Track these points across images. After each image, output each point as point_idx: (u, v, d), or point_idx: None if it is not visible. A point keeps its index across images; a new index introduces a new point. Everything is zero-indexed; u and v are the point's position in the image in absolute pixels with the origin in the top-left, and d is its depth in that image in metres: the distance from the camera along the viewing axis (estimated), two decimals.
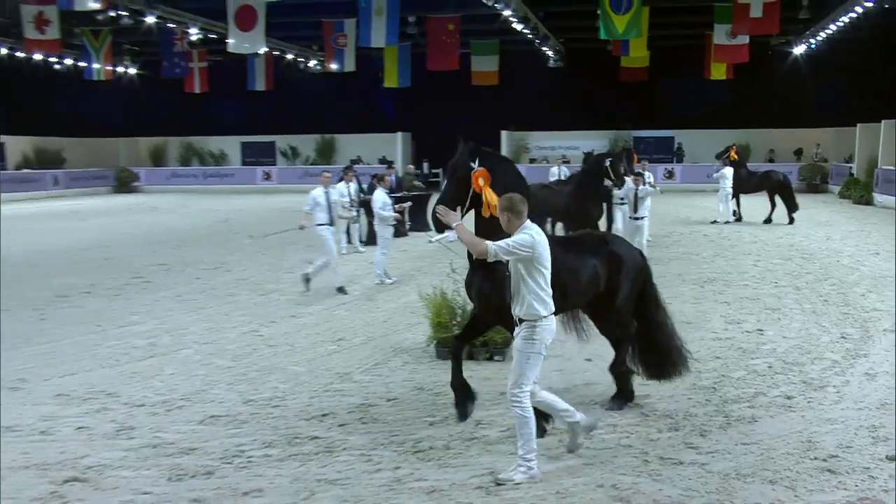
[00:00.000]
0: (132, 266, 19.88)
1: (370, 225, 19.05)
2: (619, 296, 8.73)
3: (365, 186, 22.06)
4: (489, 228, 7.74)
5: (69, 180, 48.41)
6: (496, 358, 10.89)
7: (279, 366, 11.02)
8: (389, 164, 28.50)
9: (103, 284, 17.46)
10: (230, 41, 30.13)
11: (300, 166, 49.86)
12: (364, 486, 7.13)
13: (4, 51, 39.49)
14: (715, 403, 9.13)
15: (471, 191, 7.90)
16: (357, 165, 22.62)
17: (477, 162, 7.98)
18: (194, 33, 36.27)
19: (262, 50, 35.10)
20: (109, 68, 38.85)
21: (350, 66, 35.90)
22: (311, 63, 44.32)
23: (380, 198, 17.00)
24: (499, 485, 7.03)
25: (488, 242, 7.07)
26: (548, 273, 7.21)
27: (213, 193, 46.82)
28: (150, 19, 32.63)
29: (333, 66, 37.51)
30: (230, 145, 51.70)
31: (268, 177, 49.58)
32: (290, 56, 43.08)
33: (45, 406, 9.39)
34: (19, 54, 39.01)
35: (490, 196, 7.87)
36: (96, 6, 24.86)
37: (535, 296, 7.12)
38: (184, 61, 38.70)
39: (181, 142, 52.00)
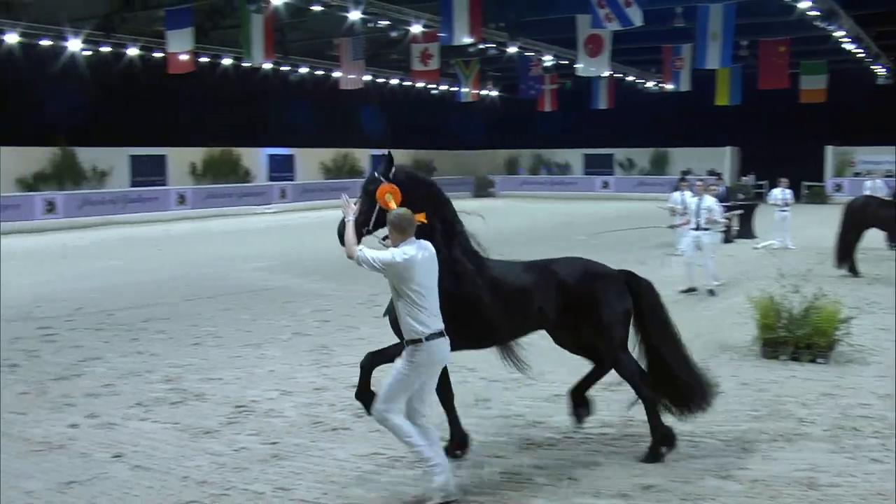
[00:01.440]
0: None
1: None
2: (585, 327, 7.29)
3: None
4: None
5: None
6: (819, 361, 10.29)
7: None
8: (718, 175, 27.60)
9: None
10: (579, 66, 30.37)
11: (635, 176, 49.53)
12: (689, 468, 6.94)
13: (396, 81, 42.66)
14: None
15: (377, 205, 6.72)
16: (689, 176, 22.07)
17: (391, 177, 6.85)
18: (548, 60, 37.11)
19: (606, 73, 35.18)
20: (476, 91, 40.42)
21: (685, 86, 35.22)
22: (649, 84, 43.88)
23: (708, 205, 16.48)
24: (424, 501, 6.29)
25: (358, 250, 6.26)
26: (427, 292, 6.17)
27: (556, 199, 47.44)
28: (512, 49, 33.71)
29: (669, 87, 36.98)
30: (573, 157, 52.24)
31: (605, 185, 49.61)
32: (629, 78, 42.90)
33: None
34: (406, 83, 41.88)
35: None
36: (470, 41, 26.00)
37: (411, 316, 6.16)
38: (537, 84, 39.61)
39: (531, 153, 53.25)
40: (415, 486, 6.60)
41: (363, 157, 48.11)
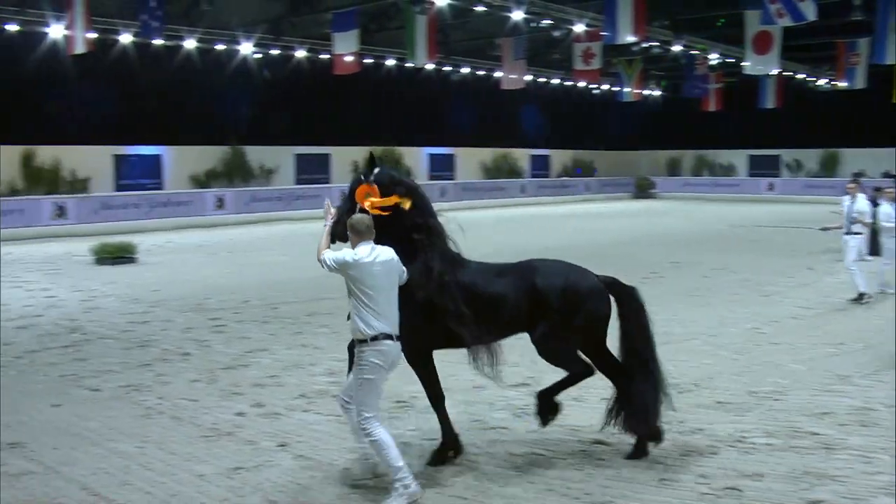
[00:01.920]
0: (648, 262, 20.20)
1: (874, 235, 17.73)
2: (550, 332, 7.02)
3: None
4: (388, 239, 6.69)
5: (597, 186, 50.45)
6: None
7: (780, 362, 10.58)
8: (894, 177, 26.22)
9: (624, 277, 17.83)
10: (746, 63, 29.50)
11: (803, 178, 47.59)
12: (862, 485, 6.60)
13: (557, 80, 42.47)
14: None
15: (357, 204, 6.81)
16: (861, 178, 21.02)
17: (372, 178, 6.91)
18: (714, 58, 36.18)
19: (775, 71, 33.97)
20: (638, 91, 39.81)
21: (860, 83, 33.67)
22: (820, 81, 42.13)
23: (886, 210, 15.69)
24: None
25: (322, 252, 6.44)
26: (377, 294, 6.22)
27: (719, 201, 46.16)
28: (677, 47, 33.05)
29: (843, 84, 35.39)
30: (738, 158, 50.71)
31: (771, 187, 47.86)
32: (799, 76, 41.31)
33: None
34: (567, 83, 41.65)
35: (381, 211, 6.80)
36: (634, 39, 25.63)
37: (359, 316, 6.23)
38: (702, 83, 38.61)
39: (694, 154, 51.99)
40: (571, 487, 6.58)
41: (523, 157, 48.18)
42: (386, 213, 6.79)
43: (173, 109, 32.89)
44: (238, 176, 35.71)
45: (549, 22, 30.37)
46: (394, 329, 6.30)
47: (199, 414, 8.67)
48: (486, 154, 46.37)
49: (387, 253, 6.40)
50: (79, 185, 31.47)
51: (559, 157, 50.39)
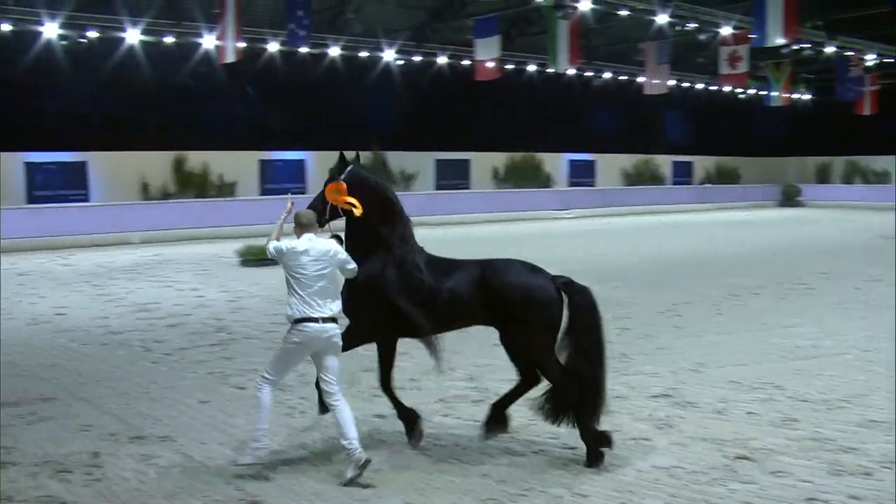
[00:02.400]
0: (796, 272, 19.52)
1: None
2: (516, 332, 7.29)
3: None
4: (357, 234, 7.45)
5: (743, 194, 49.04)
6: None
7: None
8: None
9: (770, 287, 17.38)
10: None
11: None
12: None
13: (701, 85, 41.49)
14: None
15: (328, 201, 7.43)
16: None
17: (342, 177, 7.45)
18: (870, 59, 34.69)
19: None
20: (786, 95, 38.52)
21: None
22: None
23: None
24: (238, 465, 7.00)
25: (270, 242, 7.09)
26: (306, 281, 6.86)
27: (872, 210, 44.13)
28: (829, 49, 31.85)
29: None
30: (894, 165, 48.31)
31: None
32: None
33: (720, 389, 9.54)
34: (711, 87, 40.69)
35: (348, 206, 7.38)
36: (783, 41, 24.80)
37: (289, 299, 6.95)
38: (857, 85, 37.06)
39: (845, 161, 49.80)
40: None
41: (665, 163, 47.31)
42: (348, 210, 7.38)
43: (317, 115, 33.72)
44: None
45: (694, 25, 29.74)
46: (321, 313, 6.86)
47: None
48: (628, 161, 45.73)
49: (324, 245, 6.99)
50: (226, 189, 32.66)
51: (703, 164, 49.26)
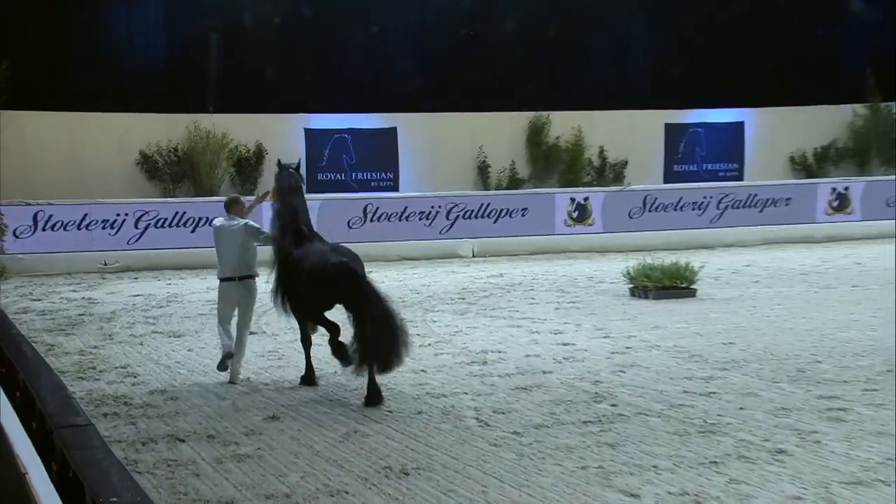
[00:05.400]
0: None
1: None
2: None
3: None
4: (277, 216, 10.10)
5: None
6: None
7: None
8: None
9: None
10: None
11: None
12: None
13: None
14: None
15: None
16: None
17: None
18: None
19: None
20: None
21: None
22: None
23: None
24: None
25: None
26: (224, 250, 9.90)
27: None
28: None
29: None
30: None
31: None
32: None
33: None
34: None
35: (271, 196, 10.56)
36: None
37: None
38: None
39: None
40: None
41: None
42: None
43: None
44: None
45: None
46: (235, 273, 9.84)
47: None
48: None
49: (238, 222, 9.97)
50: (614, 171, 23.62)
51: None
